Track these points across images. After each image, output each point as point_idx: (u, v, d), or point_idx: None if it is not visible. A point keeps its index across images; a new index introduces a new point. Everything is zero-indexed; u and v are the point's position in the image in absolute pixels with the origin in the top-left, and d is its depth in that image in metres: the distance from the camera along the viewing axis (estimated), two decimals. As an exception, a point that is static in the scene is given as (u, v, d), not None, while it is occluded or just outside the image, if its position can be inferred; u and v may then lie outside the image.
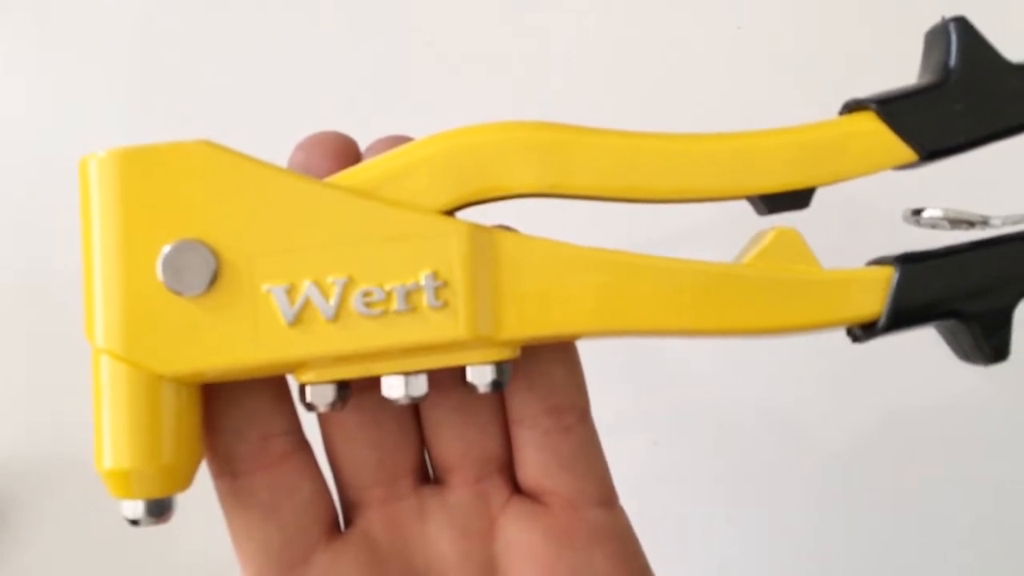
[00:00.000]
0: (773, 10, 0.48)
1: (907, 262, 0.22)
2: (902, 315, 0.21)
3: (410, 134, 0.23)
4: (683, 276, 0.21)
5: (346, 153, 0.23)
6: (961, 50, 0.21)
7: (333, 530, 0.24)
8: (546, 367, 0.24)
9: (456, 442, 0.24)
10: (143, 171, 0.21)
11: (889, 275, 0.21)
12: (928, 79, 0.22)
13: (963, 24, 0.22)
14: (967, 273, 0.22)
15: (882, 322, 0.21)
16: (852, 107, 0.22)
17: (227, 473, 0.23)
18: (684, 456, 0.48)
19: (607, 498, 0.25)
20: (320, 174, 0.22)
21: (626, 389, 0.48)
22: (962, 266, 0.22)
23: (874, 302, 0.21)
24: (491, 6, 0.48)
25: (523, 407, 0.24)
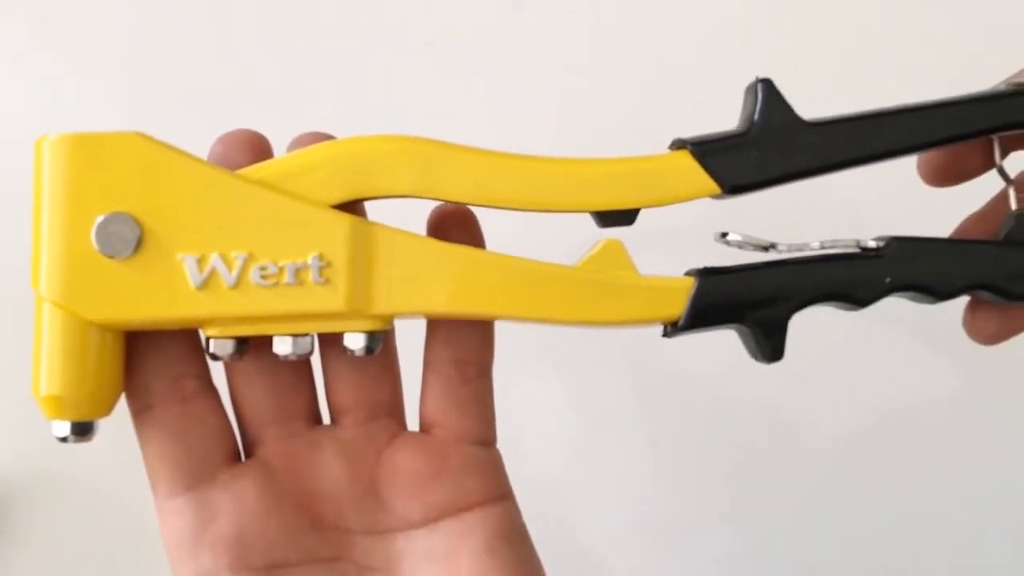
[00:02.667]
0: (773, 10, 0.50)
1: (705, 275, 0.27)
2: (698, 318, 0.26)
3: (371, 131, 0.27)
4: (524, 273, 0.26)
5: (259, 149, 0.27)
6: (763, 107, 0.26)
7: (235, 459, 0.29)
8: (462, 327, 0.29)
9: (350, 390, 0.29)
10: (85, 153, 0.25)
11: (690, 284, 0.27)
12: (737, 128, 0.27)
13: (768, 85, 0.27)
14: (752, 287, 0.27)
15: (681, 322, 0.27)
16: (676, 145, 0.27)
17: (145, 407, 0.28)
18: (684, 456, 0.49)
19: (487, 439, 0.30)
20: (235, 166, 0.26)
21: (626, 389, 0.48)
22: (749, 281, 0.27)
23: (677, 305, 0.27)
24: (491, 6, 0.50)
25: (435, 354, 0.29)
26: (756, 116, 0.26)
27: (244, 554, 0.27)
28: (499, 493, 0.30)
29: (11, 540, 0.47)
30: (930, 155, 0.29)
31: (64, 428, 0.26)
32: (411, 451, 0.29)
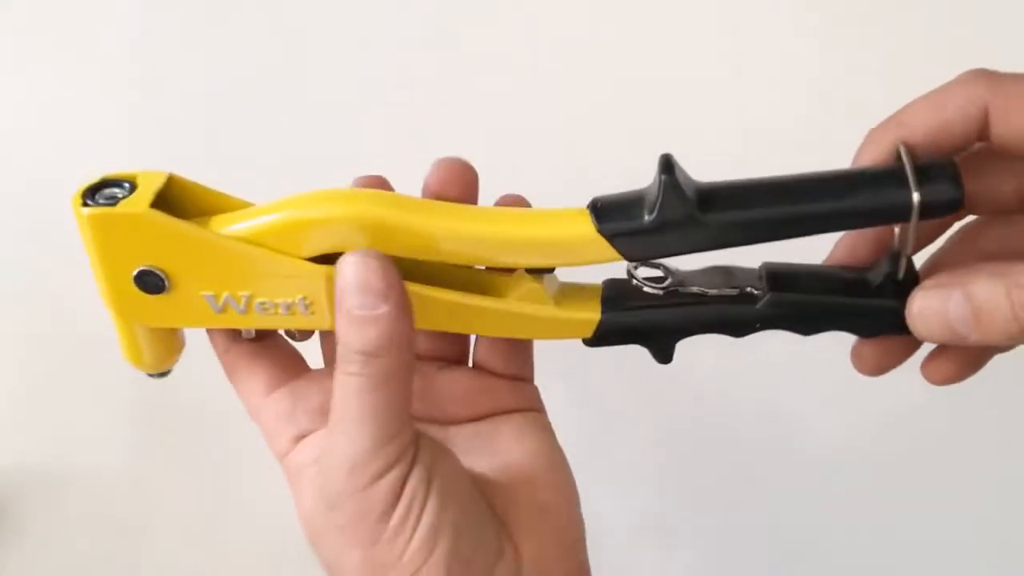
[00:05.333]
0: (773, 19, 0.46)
1: (608, 311, 0.33)
2: (603, 343, 0.34)
3: (398, 152, 0.32)
4: (460, 305, 0.33)
5: (465, 177, 0.33)
6: (663, 199, 0.30)
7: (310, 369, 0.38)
8: None
9: (428, 341, 0.38)
10: (112, 226, 0.32)
11: (596, 319, 0.33)
12: (644, 208, 0.31)
13: (667, 163, 0.30)
14: (645, 322, 0.33)
15: (590, 343, 0.34)
16: (590, 206, 0.32)
17: (230, 345, 0.37)
18: (687, 457, 0.51)
19: (527, 378, 0.38)
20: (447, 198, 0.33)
21: (628, 391, 0.49)
22: (642, 317, 0.33)
23: (586, 332, 0.34)
24: (494, 9, 0.47)
25: None
26: (656, 207, 0.30)
27: None
28: (535, 407, 0.38)
29: (11, 540, 0.50)
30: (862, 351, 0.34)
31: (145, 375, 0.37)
32: (462, 375, 0.37)
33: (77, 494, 0.50)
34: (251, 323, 0.34)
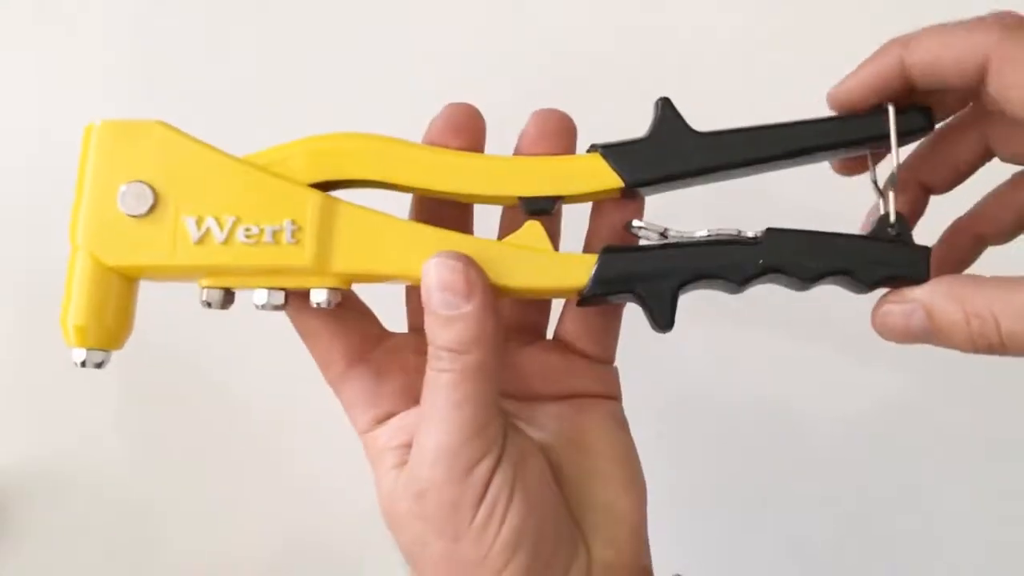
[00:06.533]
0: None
1: (607, 252, 0.32)
2: (600, 287, 0.32)
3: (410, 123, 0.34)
4: (456, 244, 0.32)
5: (471, 126, 0.34)
6: (660, 119, 0.32)
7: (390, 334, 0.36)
8: None
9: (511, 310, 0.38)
10: (117, 136, 0.32)
11: (594, 259, 0.32)
12: (641, 135, 0.33)
13: (666, 101, 0.33)
14: (644, 264, 0.32)
15: (587, 291, 0.32)
16: (590, 148, 0.33)
17: (307, 313, 0.34)
18: (688, 448, 0.51)
19: (608, 359, 0.37)
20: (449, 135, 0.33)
21: (632, 383, 0.47)
22: (642, 259, 0.32)
23: (583, 278, 0.32)
24: (495, 9, 0.53)
25: None
26: (654, 127, 0.32)
27: (414, 398, 0.33)
28: (613, 394, 0.37)
29: (11, 540, 0.49)
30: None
31: (82, 354, 0.32)
32: (544, 350, 0.37)
33: (77, 494, 0.48)
34: (228, 258, 0.32)
